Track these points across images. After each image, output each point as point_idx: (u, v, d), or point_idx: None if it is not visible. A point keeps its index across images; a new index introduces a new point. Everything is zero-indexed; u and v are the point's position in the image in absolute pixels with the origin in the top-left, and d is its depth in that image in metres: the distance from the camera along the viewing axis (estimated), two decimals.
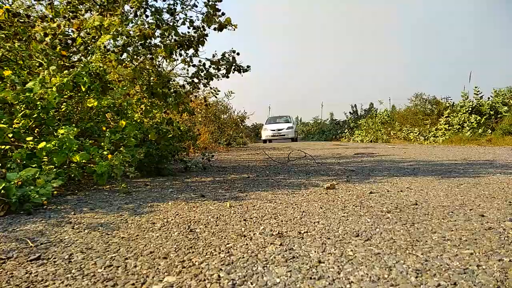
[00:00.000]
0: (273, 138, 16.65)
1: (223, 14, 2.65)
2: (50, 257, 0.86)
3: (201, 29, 2.65)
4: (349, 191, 1.70)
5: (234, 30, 2.67)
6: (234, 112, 10.50)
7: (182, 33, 2.64)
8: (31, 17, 2.15)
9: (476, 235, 0.98)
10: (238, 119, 10.46)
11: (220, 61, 2.81)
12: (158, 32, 2.50)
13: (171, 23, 2.57)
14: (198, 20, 2.66)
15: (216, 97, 8.36)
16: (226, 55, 2.83)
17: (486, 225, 1.08)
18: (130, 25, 2.44)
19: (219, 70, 2.85)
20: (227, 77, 2.90)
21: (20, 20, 1.98)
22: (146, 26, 2.42)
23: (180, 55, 2.74)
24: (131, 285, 0.70)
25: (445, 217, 1.18)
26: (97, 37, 2.15)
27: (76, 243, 0.96)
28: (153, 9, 2.49)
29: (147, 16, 2.50)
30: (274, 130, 16.49)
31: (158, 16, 2.50)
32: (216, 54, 2.85)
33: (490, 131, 8.48)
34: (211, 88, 3.24)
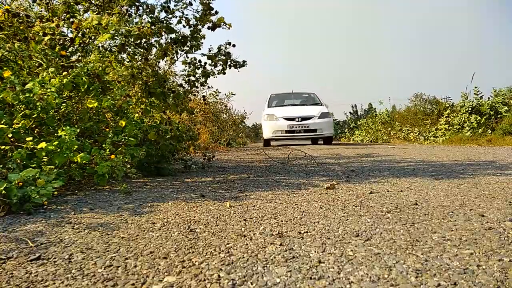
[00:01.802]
0: (290, 137, 8.26)
1: (216, 12, 2.63)
2: (50, 257, 0.86)
3: (195, 26, 2.64)
4: (349, 191, 1.70)
5: (229, 29, 2.66)
6: (234, 112, 10.50)
7: (178, 31, 2.63)
8: (30, 18, 2.16)
9: (476, 235, 0.98)
10: (238, 119, 10.45)
11: (217, 56, 2.79)
12: (152, 29, 2.49)
13: (165, 22, 2.56)
14: (195, 19, 2.66)
15: (216, 98, 8.36)
16: (223, 48, 2.81)
17: (486, 225, 1.08)
18: (127, 23, 2.44)
19: (215, 66, 2.84)
20: (224, 73, 2.88)
21: (19, 21, 1.98)
22: (143, 25, 2.42)
23: (176, 52, 2.73)
24: (131, 285, 0.70)
25: (445, 217, 1.18)
26: (94, 37, 2.15)
27: (76, 243, 0.96)
28: (144, 7, 2.49)
29: (140, 16, 2.50)
30: (293, 120, 8.00)
31: (152, 15, 2.49)
32: (212, 48, 2.83)
33: (490, 131, 8.48)
34: (209, 87, 3.24)
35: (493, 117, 9.12)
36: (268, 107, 9.08)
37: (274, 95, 9.69)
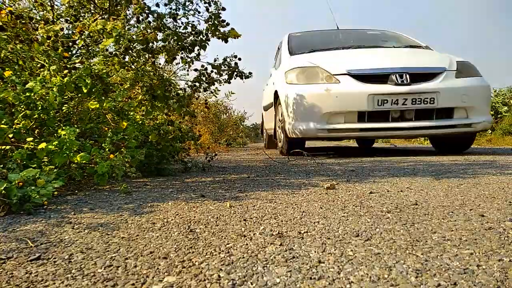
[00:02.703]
0: (379, 132, 3.17)
1: (227, 24, 2.65)
2: (50, 257, 0.86)
3: (204, 35, 2.66)
4: (349, 191, 1.70)
5: (237, 38, 2.69)
6: (234, 112, 10.51)
7: (184, 34, 2.64)
8: (34, 19, 2.16)
9: (476, 235, 0.98)
10: (238, 119, 10.47)
11: (222, 66, 2.82)
12: (160, 36, 2.51)
13: (173, 28, 2.58)
14: (200, 25, 2.68)
15: (216, 97, 8.38)
16: (228, 59, 2.84)
17: (486, 225, 1.08)
18: (133, 29, 2.46)
19: (220, 75, 2.87)
20: (229, 82, 2.92)
21: (22, 22, 1.99)
22: (149, 30, 2.43)
23: (182, 58, 2.74)
24: (131, 285, 0.70)
25: (445, 217, 1.18)
26: (99, 40, 2.16)
27: (76, 243, 0.96)
28: (155, 15, 2.50)
29: (149, 23, 2.51)
30: (384, 78, 3.00)
31: (160, 21, 2.51)
32: (217, 58, 2.85)
33: (490, 131, 8.49)
34: (212, 93, 3.25)
35: (493, 117, 9.13)
36: (291, 54, 4.07)
37: (296, 36, 4.57)
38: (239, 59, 2.87)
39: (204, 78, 2.86)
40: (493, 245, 0.89)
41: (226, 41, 2.67)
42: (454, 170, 2.50)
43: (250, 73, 2.91)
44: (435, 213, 1.23)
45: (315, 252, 0.87)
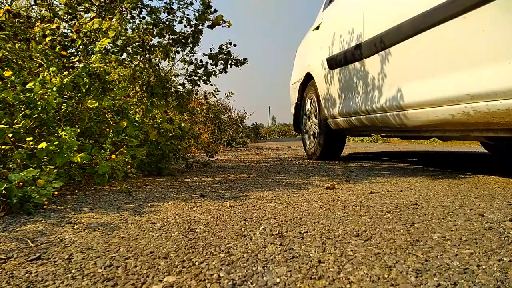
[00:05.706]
0: None
1: (215, 11, 2.65)
2: (50, 257, 0.86)
3: (196, 26, 2.65)
4: (349, 191, 1.70)
5: (229, 27, 2.67)
6: (234, 112, 10.50)
7: (183, 33, 2.64)
8: (31, 18, 2.16)
9: (476, 235, 0.98)
10: (238, 119, 10.46)
11: (218, 55, 2.80)
12: (154, 31, 2.50)
13: (167, 22, 2.57)
14: (195, 18, 2.67)
15: (215, 97, 8.37)
16: (224, 47, 2.83)
17: (486, 225, 1.08)
18: (129, 25, 2.45)
19: (216, 65, 2.86)
20: (225, 72, 2.90)
21: (20, 21, 1.98)
22: (144, 26, 2.42)
23: (177, 52, 2.74)
24: (131, 285, 0.70)
25: (445, 217, 1.18)
26: (96, 39, 2.16)
27: (76, 243, 0.96)
28: (148, 9, 2.50)
29: (143, 18, 2.50)
30: None
31: (154, 16, 2.50)
32: (213, 48, 2.85)
33: None
34: (212, 85, 3.22)
35: None
36: None
37: None
38: (235, 45, 2.85)
39: (200, 71, 2.85)
40: (493, 245, 0.89)
41: (213, 27, 2.67)
42: (454, 170, 2.49)
43: (245, 59, 2.90)
44: (435, 213, 1.24)
45: (315, 252, 0.87)
